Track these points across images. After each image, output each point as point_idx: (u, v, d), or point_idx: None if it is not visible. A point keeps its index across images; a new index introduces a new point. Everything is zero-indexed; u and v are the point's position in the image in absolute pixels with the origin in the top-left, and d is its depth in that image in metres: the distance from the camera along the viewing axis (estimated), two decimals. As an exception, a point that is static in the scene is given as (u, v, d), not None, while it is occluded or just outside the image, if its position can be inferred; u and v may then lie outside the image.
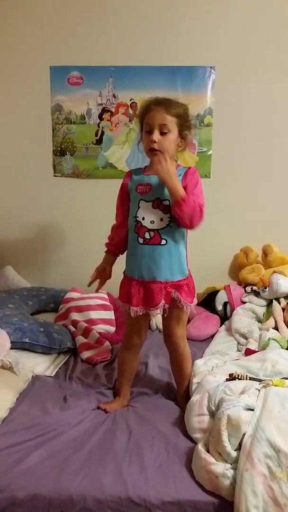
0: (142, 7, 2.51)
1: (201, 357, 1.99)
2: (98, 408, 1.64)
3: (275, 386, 1.43)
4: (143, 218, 1.54)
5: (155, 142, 1.51)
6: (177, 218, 1.50)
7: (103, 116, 2.64)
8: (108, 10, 2.52)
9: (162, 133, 1.52)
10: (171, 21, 2.52)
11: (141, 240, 1.55)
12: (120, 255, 1.75)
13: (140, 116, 1.59)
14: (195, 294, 1.66)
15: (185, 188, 1.51)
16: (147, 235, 1.54)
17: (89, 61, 2.56)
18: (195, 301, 1.65)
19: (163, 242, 1.54)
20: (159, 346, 2.08)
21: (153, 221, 1.54)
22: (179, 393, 1.74)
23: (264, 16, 2.51)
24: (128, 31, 2.53)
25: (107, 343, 2.17)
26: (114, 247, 1.74)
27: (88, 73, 2.58)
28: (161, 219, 1.54)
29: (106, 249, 1.76)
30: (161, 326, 2.02)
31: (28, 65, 2.60)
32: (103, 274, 1.74)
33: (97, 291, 1.79)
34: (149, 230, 1.54)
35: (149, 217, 1.54)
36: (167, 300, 1.56)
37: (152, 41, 2.54)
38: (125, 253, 1.69)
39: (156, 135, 1.51)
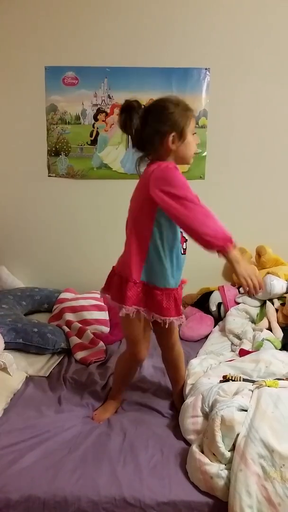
0: (137, 9, 2.51)
1: (196, 357, 2.00)
2: (93, 419, 1.61)
3: (268, 386, 1.44)
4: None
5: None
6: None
7: (98, 117, 2.63)
8: (104, 11, 2.52)
9: None
10: (167, 22, 2.52)
11: (182, 251, 1.55)
12: None
13: (188, 120, 1.42)
14: None
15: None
16: (184, 245, 1.55)
17: (84, 62, 2.56)
18: None
19: (185, 252, 1.57)
20: (153, 346, 2.08)
21: None
22: (174, 391, 1.74)
23: (258, 19, 2.52)
24: (124, 32, 2.53)
25: (101, 343, 2.17)
26: None
27: (83, 73, 2.58)
28: None
29: None
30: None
31: (23, 65, 2.58)
32: None
33: None
34: (186, 241, 1.54)
35: None
36: None
37: (148, 43, 2.54)
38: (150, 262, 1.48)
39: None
